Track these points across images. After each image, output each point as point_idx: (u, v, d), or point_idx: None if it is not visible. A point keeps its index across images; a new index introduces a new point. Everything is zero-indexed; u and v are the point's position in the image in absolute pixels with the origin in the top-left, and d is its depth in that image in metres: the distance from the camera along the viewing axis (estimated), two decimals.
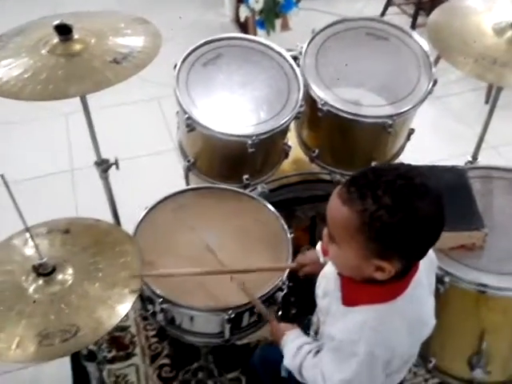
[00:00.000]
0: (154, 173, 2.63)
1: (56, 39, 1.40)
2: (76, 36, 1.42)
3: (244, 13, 3.36)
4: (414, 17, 3.68)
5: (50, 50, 1.40)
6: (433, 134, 3.05)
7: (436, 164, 2.40)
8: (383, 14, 3.99)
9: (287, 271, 1.43)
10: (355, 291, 1.06)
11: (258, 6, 3.25)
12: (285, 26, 3.62)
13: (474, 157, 1.95)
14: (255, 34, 3.50)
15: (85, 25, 1.49)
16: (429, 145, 2.85)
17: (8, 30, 1.53)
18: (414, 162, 2.58)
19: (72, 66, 1.36)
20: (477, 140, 1.93)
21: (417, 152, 2.31)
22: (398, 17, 3.98)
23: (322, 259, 1.32)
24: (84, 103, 1.56)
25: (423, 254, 1.01)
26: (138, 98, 3.07)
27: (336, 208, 0.96)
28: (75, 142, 2.87)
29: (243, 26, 3.74)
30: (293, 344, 1.20)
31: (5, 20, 3.68)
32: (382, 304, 1.02)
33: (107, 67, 1.36)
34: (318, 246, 1.35)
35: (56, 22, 1.38)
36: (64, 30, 1.38)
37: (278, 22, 3.41)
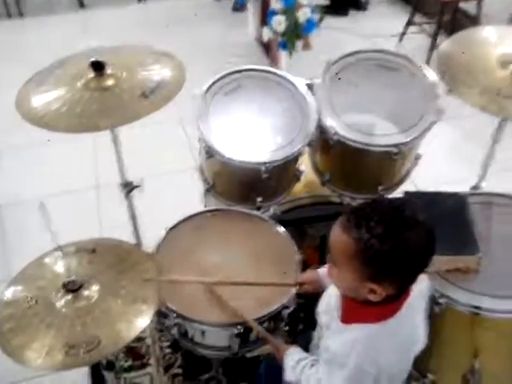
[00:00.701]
0: (176, 191, 2.74)
1: (91, 74, 1.52)
2: (109, 71, 1.54)
3: (267, 34, 3.45)
4: (434, 36, 3.73)
5: (85, 84, 1.52)
6: (447, 154, 3.10)
7: (447, 185, 2.47)
8: (404, 33, 4.06)
9: (294, 290, 1.53)
10: (353, 311, 1.17)
11: (281, 28, 3.34)
12: (306, 46, 3.71)
13: (479, 181, 1.99)
14: (277, 55, 3.62)
15: (116, 59, 1.60)
16: (442, 165, 2.91)
17: (49, 64, 1.66)
18: (426, 183, 2.67)
19: (104, 100, 1.48)
20: (483, 164, 1.97)
21: (430, 173, 2.37)
22: (418, 36, 4.05)
23: (325, 281, 1.42)
24: (113, 133, 1.69)
25: (412, 279, 1.11)
26: (162, 118, 3.22)
27: (336, 235, 1.08)
28: (102, 161, 3.01)
29: (266, 46, 3.86)
30: (294, 356, 1.32)
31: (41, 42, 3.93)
32: (374, 324, 1.13)
33: (136, 101, 1.47)
34: (322, 269, 1.46)
35: (92, 59, 1.50)
36: (98, 66, 1.50)
37: (300, 43, 3.50)
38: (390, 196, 1.86)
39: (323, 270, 1.49)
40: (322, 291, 1.47)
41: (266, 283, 1.51)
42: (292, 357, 1.32)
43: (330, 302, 1.28)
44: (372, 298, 1.10)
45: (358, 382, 1.12)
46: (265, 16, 3.51)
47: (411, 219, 1.05)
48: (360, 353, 1.11)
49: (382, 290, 1.08)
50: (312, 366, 1.27)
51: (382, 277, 1.07)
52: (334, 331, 1.22)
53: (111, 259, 1.40)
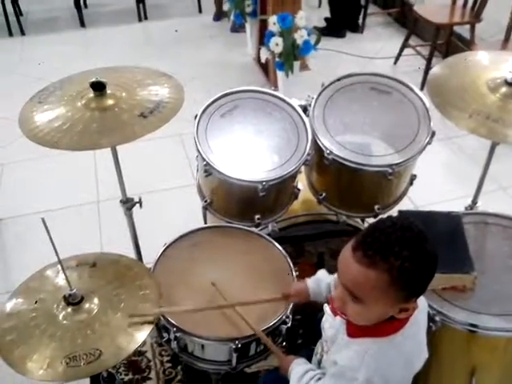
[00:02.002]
0: (175, 206, 2.79)
1: (91, 94, 1.57)
2: (109, 91, 1.58)
3: (265, 55, 3.52)
4: (429, 59, 3.80)
5: (86, 103, 1.56)
6: (443, 173, 3.15)
7: (441, 204, 2.51)
8: (399, 55, 4.14)
9: (291, 305, 1.56)
10: (360, 325, 1.18)
11: (278, 49, 3.40)
12: (304, 67, 3.79)
13: (474, 200, 2.04)
14: (275, 75, 3.68)
15: (116, 79, 1.65)
16: (439, 184, 2.95)
17: (50, 83, 1.71)
18: (421, 202, 2.71)
19: (104, 119, 1.52)
20: (477, 184, 2.02)
21: (427, 191, 2.42)
22: (413, 58, 4.12)
23: (313, 290, 1.49)
24: (113, 151, 1.73)
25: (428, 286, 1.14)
26: (161, 134, 3.28)
27: (360, 273, 1.05)
28: (102, 176, 3.07)
29: (264, 66, 3.93)
30: (299, 369, 1.33)
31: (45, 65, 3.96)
32: (382, 338, 1.15)
33: (135, 121, 1.52)
34: (310, 278, 1.51)
35: (92, 80, 1.55)
36: (98, 87, 1.55)
37: (297, 64, 3.55)
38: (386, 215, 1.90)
39: (312, 280, 1.54)
40: (310, 301, 1.52)
41: (254, 301, 1.53)
42: (298, 368, 1.33)
43: (334, 317, 1.29)
44: (403, 315, 1.12)
45: None
46: (263, 37, 3.57)
47: (422, 232, 1.08)
48: (370, 366, 1.12)
49: (413, 305, 1.11)
50: (319, 379, 1.27)
51: (415, 294, 1.11)
52: (339, 345, 1.23)
53: (111, 273, 1.43)
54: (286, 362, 1.39)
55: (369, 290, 1.07)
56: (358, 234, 1.10)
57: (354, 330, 1.19)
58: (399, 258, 1.03)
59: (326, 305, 1.36)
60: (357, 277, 1.06)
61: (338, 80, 1.91)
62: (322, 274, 1.55)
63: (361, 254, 1.05)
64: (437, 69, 1.86)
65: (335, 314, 1.27)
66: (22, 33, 4.79)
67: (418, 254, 1.05)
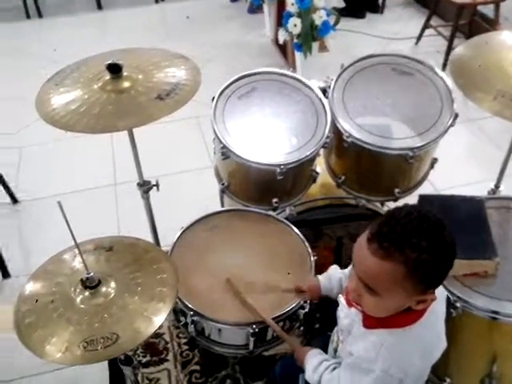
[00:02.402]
0: (192, 189, 2.77)
1: (108, 76, 1.56)
2: (125, 73, 1.57)
3: (283, 36, 3.47)
4: (451, 39, 3.71)
5: (102, 86, 1.55)
6: (465, 156, 3.10)
7: (463, 188, 2.46)
8: (420, 35, 4.05)
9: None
10: (376, 317, 1.15)
11: (296, 30, 3.35)
12: (322, 48, 3.71)
13: (497, 185, 2.00)
14: (293, 56, 3.63)
15: (133, 61, 1.63)
16: (461, 168, 2.90)
17: (66, 65, 1.70)
18: (443, 185, 2.67)
19: (121, 102, 1.51)
20: (500, 168, 1.98)
21: (448, 175, 2.38)
22: (435, 39, 4.03)
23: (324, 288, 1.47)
24: (130, 134, 1.71)
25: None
26: (178, 116, 3.26)
27: (376, 265, 1.02)
28: (120, 158, 3.06)
29: (282, 48, 3.87)
30: (314, 360, 1.32)
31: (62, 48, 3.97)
32: (399, 328, 1.13)
33: (152, 103, 1.50)
34: (322, 275, 1.50)
35: (108, 62, 1.53)
36: (115, 69, 1.53)
37: (316, 45, 3.50)
38: (405, 201, 1.87)
39: (324, 276, 1.52)
40: (321, 298, 1.51)
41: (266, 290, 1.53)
42: (313, 359, 1.32)
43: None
44: (420, 307, 1.10)
45: None
46: (281, 18, 3.52)
47: (439, 221, 1.04)
48: (387, 358, 1.11)
49: (431, 296, 1.09)
50: (334, 369, 1.26)
51: (433, 285, 1.08)
52: (355, 336, 1.21)
53: (128, 257, 1.42)
54: (301, 353, 1.38)
55: (384, 283, 1.04)
56: (373, 222, 1.06)
57: (371, 321, 1.17)
58: (416, 249, 1.00)
59: (340, 296, 1.34)
60: (372, 269, 1.04)
61: (358, 61, 1.87)
62: (333, 269, 1.54)
63: (376, 245, 1.02)
64: (460, 49, 1.81)
65: (350, 305, 1.25)
66: (40, 15, 4.78)
67: (435, 244, 1.01)
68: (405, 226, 1.01)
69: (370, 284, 1.06)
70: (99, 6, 4.88)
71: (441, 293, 1.24)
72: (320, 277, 1.52)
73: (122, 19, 4.69)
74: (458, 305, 1.46)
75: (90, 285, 1.31)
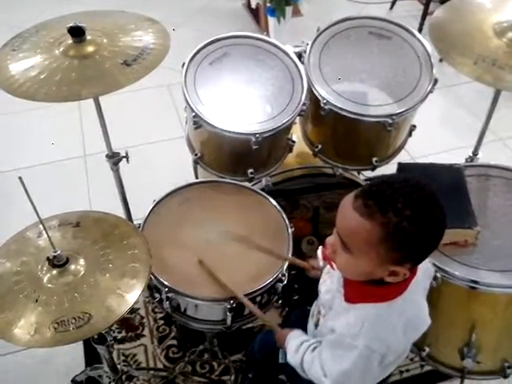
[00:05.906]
0: (164, 160, 2.69)
1: (70, 40, 1.46)
2: (88, 37, 1.47)
3: (255, 0, 3.38)
4: (427, 3, 3.66)
5: (64, 51, 1.45)
6: (441, 124, 3.08)
7: (439, 156, 2.44)
8: (395, 0, 3.98)
9: (286, 263, 1.51)
10: (358, 290, 1.13)
11: None
12: (296, 12, 3.63)
13: (475, 152, 1.98)
14: (266, 21, 3.53)
15: (96, 25, 1.53)
16: (436, 135, 2.87)
17: (25, 29, 1.58)
18: (420, 152, 2.64)
19: (84, 67, 1.42)
20: (478, 135, 1.95)
21: (424, 142, 2.35)
22: (409, 3, 3.98)
23: (321, 263, 1.39)
24: (96, 102, 1.62)
25: (427, 257, 1.07)
26: (148, 85, 3.13)
27: (355, 221, 1.00)
28: (88, 129, 2.94)
29: (254, 12, 3.76)
30: (294, 341, 1.28)
31: (20, 13, 3.77)
32: (382, 303, 1.10)
33: (118, 69, 1.41)
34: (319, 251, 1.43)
35: (70, 25, 1.43)
36: (77, 32, 1.44)
37: (289, 9, 3.42)
38: (383, 170, 1.84)
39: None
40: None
41: (281, 257, 1.50)
42: (294, 341, 1.29)
43: (331, 280, 1.25)
44: (391, 279, 1.06)
45: (366, 362, 1.09)
46: None
47: (434, 195, 1.01)
48: (369, 333, 1.08)
49: (404, 270, 1.04)
50: (314, 348, 1.23)
51: (409, 258, 1.04)
52: (337, 311, 1.18)
53: (97, 233, 1.35)
54: (281, 336, 1.35)
55: (358, 241, 1.02)
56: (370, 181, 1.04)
57: (352, 296, 1.14)
58: (398, 214, 0.96)
59: (319, 251, 1.32)
60: (350, 224, 1.02)
61: (335, 24, 1.80)
62: None
63: (361, 202, 1.00)
64: (439, 12, 1.75)
65: (324, 259, 1.24)
66: None
67: (421, 216, 0.97)
68: (396, 190, 0.99)
69: (345, 240, 1.05)
70: None
71: (426, 269, 1.22)
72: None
73: None
74: (438, 275, 1.44)
75: (58, 263, 1.24)
